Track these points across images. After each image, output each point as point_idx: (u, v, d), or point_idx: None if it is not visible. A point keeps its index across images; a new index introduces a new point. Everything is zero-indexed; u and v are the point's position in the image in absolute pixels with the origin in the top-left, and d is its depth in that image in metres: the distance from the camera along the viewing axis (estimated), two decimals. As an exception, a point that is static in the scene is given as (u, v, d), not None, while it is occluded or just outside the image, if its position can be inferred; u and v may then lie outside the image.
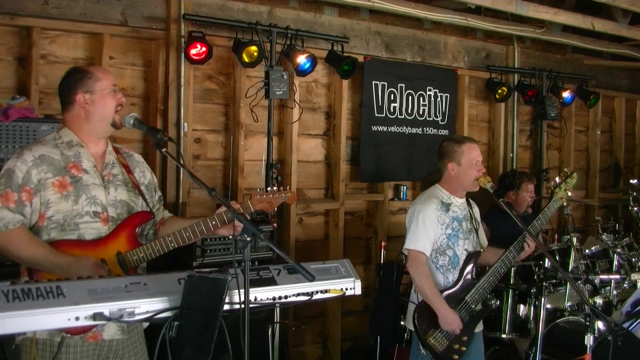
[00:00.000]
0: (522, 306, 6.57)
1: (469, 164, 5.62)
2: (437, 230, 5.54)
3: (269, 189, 4.53)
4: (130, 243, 4.14)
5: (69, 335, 3.86)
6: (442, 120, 9.07)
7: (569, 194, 5.99)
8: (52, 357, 3.87)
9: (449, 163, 5.67)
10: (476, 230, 5.76)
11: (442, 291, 5.52)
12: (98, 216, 4.08)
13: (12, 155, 4.11)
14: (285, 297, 3.64)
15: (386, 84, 8.49)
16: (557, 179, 6.00)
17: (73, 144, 4.13)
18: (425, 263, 5.52)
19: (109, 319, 3.14)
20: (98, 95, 4.13)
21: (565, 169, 6.11)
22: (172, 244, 4.17)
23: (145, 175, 4.50)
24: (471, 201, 5.90)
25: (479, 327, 5.74)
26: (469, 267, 5.60)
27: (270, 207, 4.55)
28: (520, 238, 5.59)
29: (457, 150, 5.66)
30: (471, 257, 5.63)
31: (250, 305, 3.37)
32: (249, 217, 3.76)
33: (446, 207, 5.63)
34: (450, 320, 5.40)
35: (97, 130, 4.19)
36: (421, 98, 8.84)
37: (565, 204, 6.48)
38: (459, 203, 5.70)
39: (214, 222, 4.23)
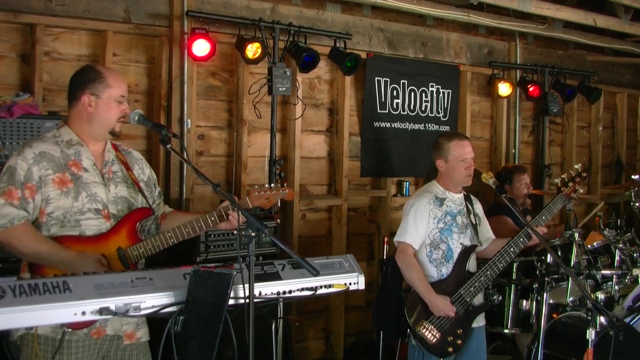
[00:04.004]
0: (524, 301, 6.58)
1: (455, 160, 5.71)
2: (428, 225, 5.64)
3: (266, 185, 4.57)
4: (131, 239, 4.17)
5: (70, 330, 3.88)
6: (445, 116, 9.09)
7: (580, 190, 6.02)
8: (54, 352, 3.89)
9: (437, 160, 5.80)
10: (474, 225, 5.78)
11: (434, 283, 5.58)
12: (100, 213, 4.11)
13: (13, 152, 4.13)
14: (290, 291, 3.66)
15: (389, 80, 8.50)
16: (565, 176, 6.02)
17: (73, 143, 4.15)
18: (414, 255, 5.61)
19: (115, 314, 3.17)
20: (103, 101, 4.13)
21: (576, 166, 6.11)
22: (172, 240, 4.20)
23: (144, 171, 4.52)
24: (472, 197, 5.96)
25: (480, 322, 5.77)
26: (466, 261, 5.65)
27: (269, 203, 4.59)
28: (521, 232, 5.62)
29: (444, 147, 5.77)
30: (467, 251, 5.67)
31: (255, 300, 3.39)
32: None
33: (440, 201, 5.72)
34: (440, 305, 5.45)
35: (94, 133, 4.20)
36: (424, 94, 8.86)
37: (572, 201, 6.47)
38: (454, 198, 5.77)
39: (212, 218, 4.28)
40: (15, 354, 4.97)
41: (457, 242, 5.66)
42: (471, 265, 5.71)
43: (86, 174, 4.12)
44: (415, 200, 5.78)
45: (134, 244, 4.15)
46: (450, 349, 5.53)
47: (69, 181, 4.04)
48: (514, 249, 5.62)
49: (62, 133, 4.18)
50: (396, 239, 5.72)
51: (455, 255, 5.64)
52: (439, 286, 5.57)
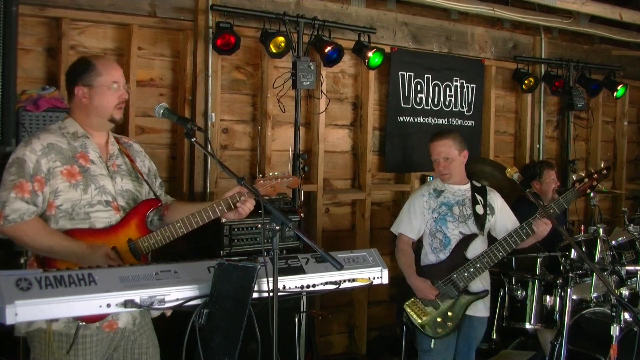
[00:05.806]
0: (548, 297, 6.57)
1: (432, 160, 6.06)
2: (424, 216, 5.98)
3: (271, 174, 4.62)
4: (141, 230, 4.20)
5: (84, 324, 3.89)
6: (469, 111, 9.07)
7: (603, 188, 6.07)
8: (69, 346, 3.91)
9: None
10: (479, 216, 5.89)
11: (429, 266, 5.90)
12: (110, 205, 4.13)
13: (20, 144, 4.11)
14: (314, 285, 3.67)
15: (413, 74, 8.49)
16: (584, 173, 6.08)
17: (78, 135, 4.16)
18: (411, 243, 6.06)
19: (140, 306, 3.19)
20: (96, 90, 4.13)
21: (602, 164, 6.15)
22: (182, 230, 4.23)
23: (144, 163, 4.54)
24: (488, 189, 6.11)
25: (480, 313, 5.91)
26: (464, 248, 5.81)
27: (274, 191, 4.67)
28: (524, 224, 5.71)
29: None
30: (465, 239, 5.84)
31: (279, 294, 3.40)
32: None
33: (438, 193, 6.00)
34: (419, 286, 5.80)
35: (94, 123, 4.21)
36: (448, 89, 8.84)
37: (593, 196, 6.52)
38: (453, 190, 6.00)
39: (220, 208, 4.33)
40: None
41: (454, 230, 5.87)
42: (473, 253, 5.81)
43: (93, 166, 4.14)
44: (413, 194, 6.30)
45: (144, 236, 4.18)
46: (439, 330, 5.76)
47: (78, 173, 4.05)
48: (514, 239, 5.74)
49: (67, 125, 4.18)
50: (392, 228, 6.21)
51: (453, 243, 5.84)
52: (432, 269, 5.86)
